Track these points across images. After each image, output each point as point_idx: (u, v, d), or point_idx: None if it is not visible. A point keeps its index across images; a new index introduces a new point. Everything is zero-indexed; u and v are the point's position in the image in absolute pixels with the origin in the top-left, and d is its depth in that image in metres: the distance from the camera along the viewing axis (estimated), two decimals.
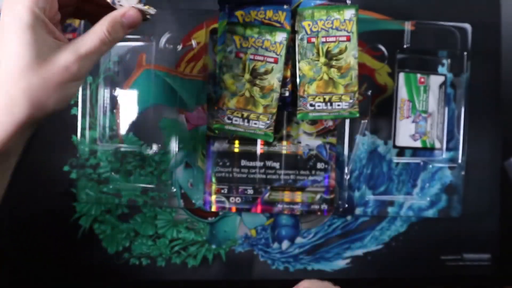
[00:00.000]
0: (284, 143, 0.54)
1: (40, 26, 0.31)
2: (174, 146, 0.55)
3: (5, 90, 0.31)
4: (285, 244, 0.57)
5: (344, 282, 0.58)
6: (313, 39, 0.48)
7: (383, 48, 0.55)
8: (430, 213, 0.57)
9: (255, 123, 0.49)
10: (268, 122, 0.49)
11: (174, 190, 0.55)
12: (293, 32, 0.49)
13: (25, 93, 0.31)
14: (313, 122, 0.54)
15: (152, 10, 0.37)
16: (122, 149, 0.55)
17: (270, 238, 0.57)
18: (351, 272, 0.58)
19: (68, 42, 0.33)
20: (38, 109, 0.32)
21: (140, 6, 0.36)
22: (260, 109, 0.48)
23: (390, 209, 0.57)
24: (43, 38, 0.31)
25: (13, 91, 0.31)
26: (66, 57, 0.32)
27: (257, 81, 0.48)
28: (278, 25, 0.48)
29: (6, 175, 0.37)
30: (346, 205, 0.56)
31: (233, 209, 0.54)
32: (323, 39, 0.48)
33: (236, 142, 0.54)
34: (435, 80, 0.56)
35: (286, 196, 0.54)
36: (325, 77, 0.48)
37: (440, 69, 0.56)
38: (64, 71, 0.32)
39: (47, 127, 0.55)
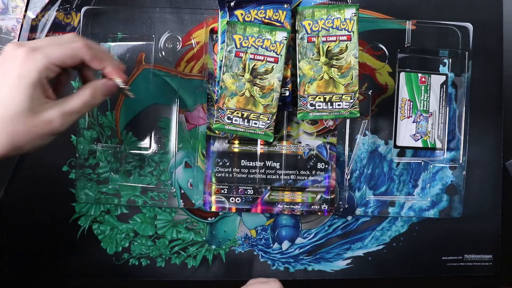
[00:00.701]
0: (284, 143, 0.54)
1: (39, 86, 0.37)
2: (173, 146, 0.55)
3: None
4: (285, 244, 0.57)
5: (345, 283, 0.58)
6: (314, 39, 0.48)
7: (384, 48, 0.55)
8: (431, 213, 0.57)
9: (255, 123, 0.49)
10: (268, 122, 0.49)
11: (174, 190, 0.55)
12: (293, 32, 0.48)
13: (9, 137, 0.37)
14: (314, 122, 0.54)
15: (131, 95, 0.44)
16: (122, 149, 0.54)
17: (270, 239, 0.57)
18: (352, 272, 0.58)
19: (56, 100, 0.39)
20: (14, 151, 0.38)
21: (121, 84, 0.42)
22: (260, 109, 0.48)
23: (390, 210, 0.56)
24: (38, 96, 0.37)
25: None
26: (52, 113, 0.38)
27: (257, 81, 0.48)
28: (278, 24, 0.48)
29: None
30: (347, 206, 0.56)
31: (233, 209, 0.54)
32: (324, 39, 0.48)
33: (236, 142, 0.54)
34: (436, 80, 0.56)
35: (286, 196, 0.54)
36: (326, 76, 0.48)
37: (441, 68, 0.56)
38: (47, 124, 0.38)
39: None
